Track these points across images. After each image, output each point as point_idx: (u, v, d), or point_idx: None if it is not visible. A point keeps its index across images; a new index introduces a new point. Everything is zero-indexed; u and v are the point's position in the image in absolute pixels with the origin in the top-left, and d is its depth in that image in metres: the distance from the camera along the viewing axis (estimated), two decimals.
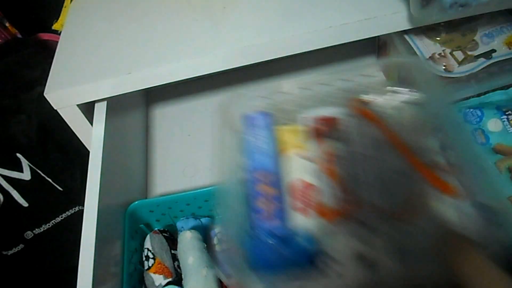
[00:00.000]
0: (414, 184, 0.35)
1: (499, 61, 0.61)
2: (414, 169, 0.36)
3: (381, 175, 0.36)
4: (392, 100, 0.43)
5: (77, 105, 0.58)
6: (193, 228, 0.58)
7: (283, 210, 0.40)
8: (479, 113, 0.59)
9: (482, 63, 0.61)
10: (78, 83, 0.55)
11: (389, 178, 0.36)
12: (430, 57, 0.63)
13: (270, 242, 0.37)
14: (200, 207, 0.62)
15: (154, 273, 0.55)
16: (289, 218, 0.40)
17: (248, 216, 0.40)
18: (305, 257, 0.37)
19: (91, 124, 0.59)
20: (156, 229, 0.60)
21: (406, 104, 0.41)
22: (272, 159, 0.44)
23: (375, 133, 0.39)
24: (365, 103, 0.43)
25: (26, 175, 0.78)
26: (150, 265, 0.55)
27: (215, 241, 0.58)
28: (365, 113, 0.41)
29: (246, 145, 0.45)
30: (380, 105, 0.42)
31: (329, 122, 0.45)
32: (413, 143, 0.37)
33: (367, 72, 0.47)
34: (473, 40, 0.64)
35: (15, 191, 0.78)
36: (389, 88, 0.44)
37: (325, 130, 0.45)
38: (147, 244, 0.57)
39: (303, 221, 0.40)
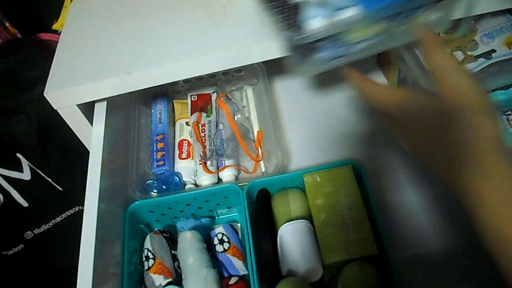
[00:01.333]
0: (237, 145, 0.68)
1: (499, 61, 0.61)
2: (236, 138, 0.68)
3: (222, 136, 0.68)
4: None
5: (77, 105, 0.58)
6: (193, 228, 0.58)
7: (169, 158, 0.68)
8: None
9: (482, 63, 0.61)
10: (78, 83, 0.55)
11: (226, 139, 0.67)
12: None
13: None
14: (200, 208, 0.62)
15: (154, 273, 0.55)
16: (174, 163, 0.68)
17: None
18: (178, 187, 0.65)
19: (91, 124, 0.59)
20: (156, 229, 0.60)
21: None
22: (165, 126, 0.71)
23: (223, 113, 0.70)
24: (223, 94, 0.73)
25: (26, 175, 0.78)
26: (150, 265, 0.55)
27: (215, 241, 0.59)
28: (220, 100, 0.72)
29: (152, 118, 0.73)
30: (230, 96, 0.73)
31: (204, 99, 0.74)
32: (238, 123, 0.70)
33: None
34: (473, 40, 0.65)
35: (15, 191, 0.78)
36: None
37: (200, 104, 0.73)
38: (147, 244, 0.57)
39: (183, 164, 0.67)
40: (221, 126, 0.69)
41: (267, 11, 0.43)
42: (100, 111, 0.59)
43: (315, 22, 0.41)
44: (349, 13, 0.42)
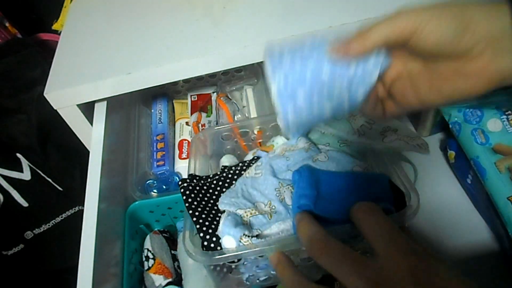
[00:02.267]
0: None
1: None
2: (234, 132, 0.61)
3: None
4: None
5: (77, 105, 0.58)
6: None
7: (169, 158, 0.68)
8: (479, 113, 0.59)
9: None
10: (78, 83, 0.55)
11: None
12: None
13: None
14: None
15: (154, 273, 0.55)
16: (174, 163, 0.69)
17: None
18: (177, 186, 0.55)
19: (91, 124, 0.59)
20: (156, 229, 0.60)
21: None
22: (165, 126, 0.72)
23: (223, 113, 0.70)
24: (223, 94, 0.74)
25: (26, 175, 0.78)
26: (150, 265, 0.55)
27: None
28: (220, 100, 0.72)
29: (153, 118, 0.73)
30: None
31: (204, 99, 0.75)
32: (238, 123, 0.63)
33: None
34: None
35: (15, 191, 0.78)
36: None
37: (201, 105, 0.74)
38: (147, 244, 0.57)
39: (183, 164, 0.67)
40: None
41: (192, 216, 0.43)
42: (100, 111, 0.59)
43: (228, 240, 0.40)
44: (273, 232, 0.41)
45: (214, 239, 0.41)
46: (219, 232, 0.41)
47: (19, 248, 0.83)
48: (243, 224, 0.42)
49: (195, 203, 0.45)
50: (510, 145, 0.56)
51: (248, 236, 0.40)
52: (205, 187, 0.48)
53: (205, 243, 0.41)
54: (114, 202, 0.56)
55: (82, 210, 0.49)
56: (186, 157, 0.68)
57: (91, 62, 0.58)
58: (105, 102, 0.60)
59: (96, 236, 0.47)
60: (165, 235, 0.58)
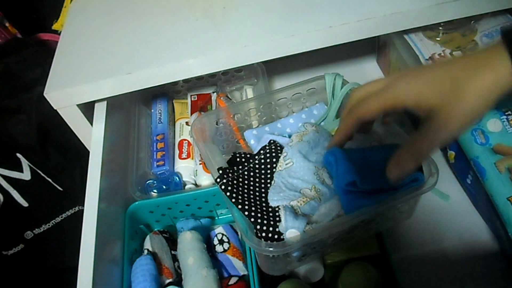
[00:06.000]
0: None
1: None
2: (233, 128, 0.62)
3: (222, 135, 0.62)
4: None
5: (77, 105, 0.58)
6: (193, 228, 0.58)
7: (169, 158, 0.68)
8: None
9: None
10: (78, 83, 0.55)
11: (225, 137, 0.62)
12: (430, 57, 0.63)
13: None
14: (200, 208, 0.62)
15: None
16: (174, 163, 0.68)
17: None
18: (178, 187, 0.64)
19: (91, 124, 0.59)
20: (156, 229, 0.60)
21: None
22: (165, 126, 0.71)
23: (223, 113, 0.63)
24: (223, 94, 0.72)
25: (26, 175, 0.78)
26: None
27: (215, 241, 0.59)
28: (220, 100, 0.70)
29: (153, 118, 0.73)
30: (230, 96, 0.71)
31: (204, 99, 0.74)
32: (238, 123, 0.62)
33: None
34: (473, 40, 0.65)
35: (15, 191, 0.78)
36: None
37: (200, 104, 0.73)
38: (147, 244, 0.57)
39: (183, 164, 0.67)
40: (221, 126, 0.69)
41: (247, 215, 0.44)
42: (100, 111, 0.59)
43: (292, 232, 0.41)
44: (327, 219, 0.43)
45: (271, 229, 0.42)
46: (281, 228, 0.42)
47: (19, 248, 0.83)
48: (300, 215, 0.43)
49: (240, 197, 0.45)
50: (510, 146, 0.56)
51: (309, 224, 0.41)
52: (240, 179, 0.48)
53: (263, 234, 0.42)
54: (114, 202, 0.57)
55: (82, 210, 0.49)
56: (186, 157, 0.68)
57: (91, 62, 0.58)
58: (105, 102, 0.60)
59: (96, 236, 0.47)
60: (165, 235, 0.58)
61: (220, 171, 0.48)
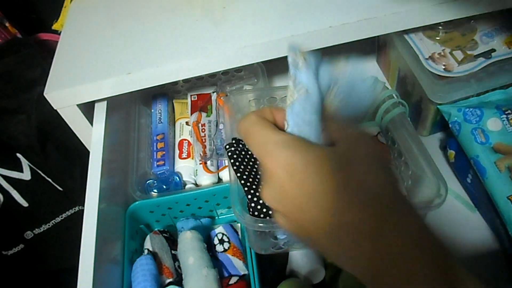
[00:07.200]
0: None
1: (499, 60, 0.61)
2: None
3: (222, 136, 0.67)
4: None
5: (77, 105, 0.58)
6: (193, 228, 0.58)
7: (169, 157, 0.68)
8: (478, 112, 0.59)
9: (482, 62, 0.61)
10: (78, 83, 0.55)
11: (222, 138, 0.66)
12: (429, 56, 0.63)
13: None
14: (200, 208, 0.62)
15: None
16: (174, 163, 0.68)
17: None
18: (178, 186, 0.65)
19: (91, 124, 0.59)
20: (156, 229, 0.60)
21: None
22: (165, 126, 0.71)
23: (223, 113, 0.66)
24: (223, 94, 0.73)
25: (26, 175, 0.78)
26: None
27: (215, 241, 0.59)
28: (220, 100, 0.71)
29: (153, 118, 0.73)
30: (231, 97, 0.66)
31: (204, 99, 0.74)
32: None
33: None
34: (473, 39, 0.65)
35: (15, 191, 0.78)
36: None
37: (200, 104, 0.73)
38: (147, 244, 0.57)
39: (183, 164, 0.67)
40: (221, 126, 0.69)
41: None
42: (100, 111, 0.59)
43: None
44: None
45: (261, 201, 0.43)
46: None
47: (19, 248, 0.83)
48: None
49: (242, 167, 0.47)
50: (510, 144, 0.56)
51: None
52: (247, 154, 0.50)
53: (252, 204, 0.44)
54: (114, 202, 0.57)
55: (82, 210, 0.49)
56: (186, 156, 0.68)
57: (91, 62, 0.58)
58: (105, 102, 0.60)
59: (96, 236, 0.47)
60: (165, 235, 0.58)
61: (233, 141, 0.51)
